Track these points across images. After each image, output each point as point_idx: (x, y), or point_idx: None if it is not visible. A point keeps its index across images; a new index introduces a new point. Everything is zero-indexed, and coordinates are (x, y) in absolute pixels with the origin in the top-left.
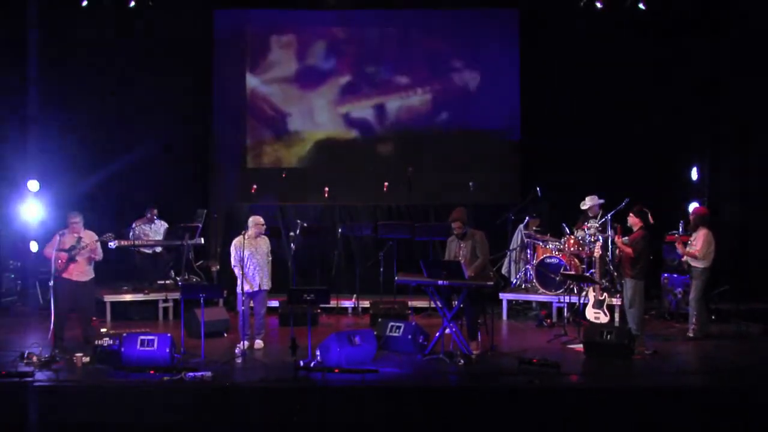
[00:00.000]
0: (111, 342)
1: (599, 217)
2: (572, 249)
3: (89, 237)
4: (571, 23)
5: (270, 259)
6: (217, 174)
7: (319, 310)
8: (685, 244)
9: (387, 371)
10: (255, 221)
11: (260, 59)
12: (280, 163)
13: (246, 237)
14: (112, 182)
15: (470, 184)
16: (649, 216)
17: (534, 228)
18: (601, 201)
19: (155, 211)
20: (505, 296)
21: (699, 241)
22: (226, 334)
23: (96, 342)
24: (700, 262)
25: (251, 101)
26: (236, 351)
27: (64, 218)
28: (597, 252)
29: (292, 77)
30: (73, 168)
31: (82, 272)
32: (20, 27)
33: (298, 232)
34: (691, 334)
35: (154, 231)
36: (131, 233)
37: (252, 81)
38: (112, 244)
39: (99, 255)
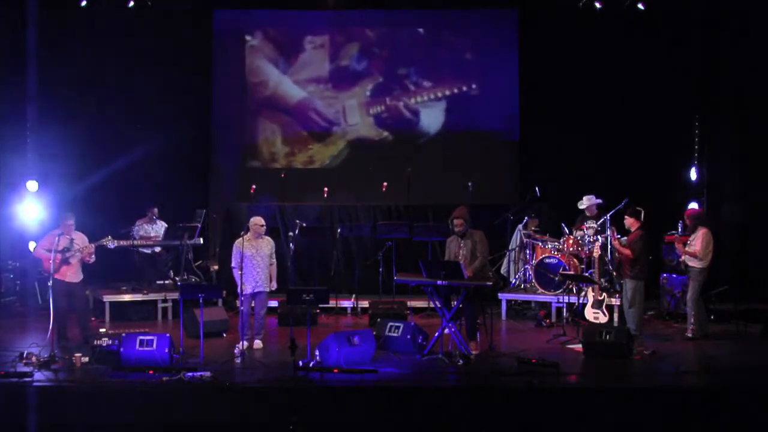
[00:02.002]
0: (110, 342)
1: (598, 217)
2: (571, 249)
3: (80, 238)
4: (570, 23)
5: (273, 261)
6: (216, 174)
7: (318, 310)
8: (684, 244)
9: (386, 371)
10: (254, 222)
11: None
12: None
13: (246, 238)
14: (111, 182)
15: (469, 184)
16: (642, 214)
17: (533, 228)
18: (599, 201)
19: (155, 211)
20: (504, 296)
21: (698, 240)
22: (225, 334)
23: (95, 342)
24: (698, 262)
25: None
26: (235, 351)
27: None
28: (596, 252)
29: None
30: (72, 168)
31: (74, 273)
32: (20, 27)
33: (297, 232)
34: (689, 335)
35: (155, 231)
36: (134, 232)
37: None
38: (111, 245)
39: (93, 258)
